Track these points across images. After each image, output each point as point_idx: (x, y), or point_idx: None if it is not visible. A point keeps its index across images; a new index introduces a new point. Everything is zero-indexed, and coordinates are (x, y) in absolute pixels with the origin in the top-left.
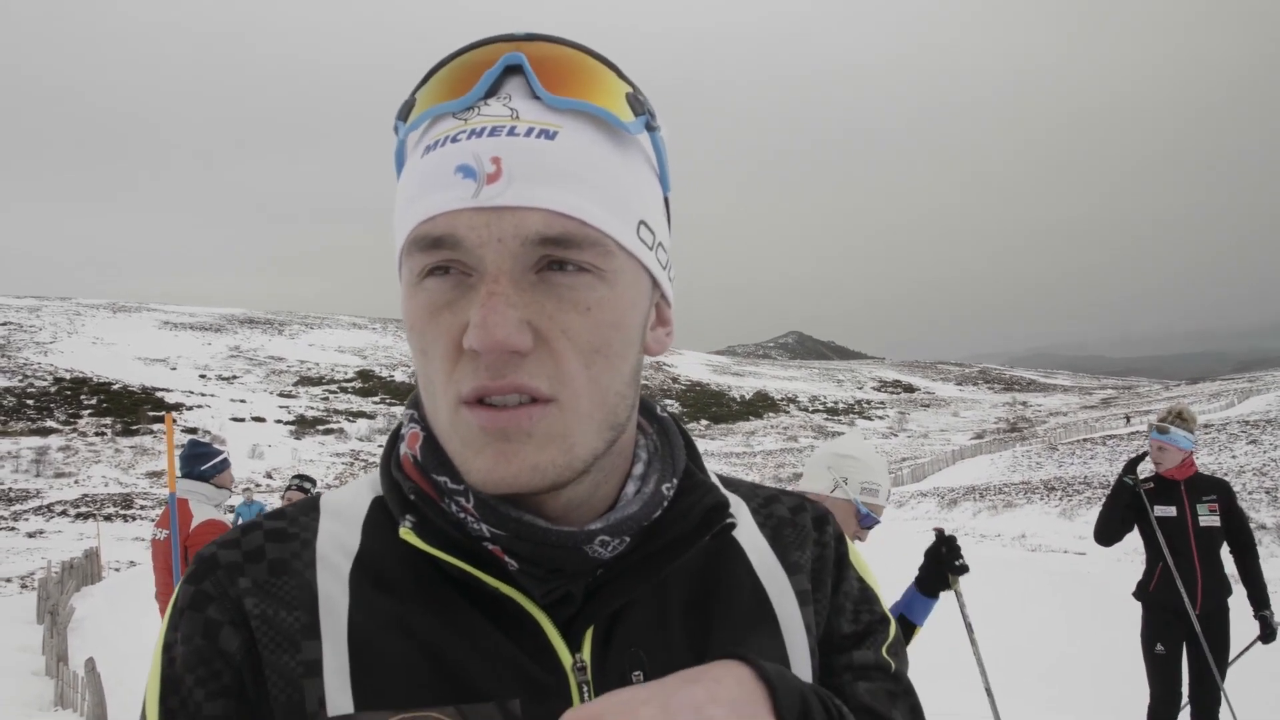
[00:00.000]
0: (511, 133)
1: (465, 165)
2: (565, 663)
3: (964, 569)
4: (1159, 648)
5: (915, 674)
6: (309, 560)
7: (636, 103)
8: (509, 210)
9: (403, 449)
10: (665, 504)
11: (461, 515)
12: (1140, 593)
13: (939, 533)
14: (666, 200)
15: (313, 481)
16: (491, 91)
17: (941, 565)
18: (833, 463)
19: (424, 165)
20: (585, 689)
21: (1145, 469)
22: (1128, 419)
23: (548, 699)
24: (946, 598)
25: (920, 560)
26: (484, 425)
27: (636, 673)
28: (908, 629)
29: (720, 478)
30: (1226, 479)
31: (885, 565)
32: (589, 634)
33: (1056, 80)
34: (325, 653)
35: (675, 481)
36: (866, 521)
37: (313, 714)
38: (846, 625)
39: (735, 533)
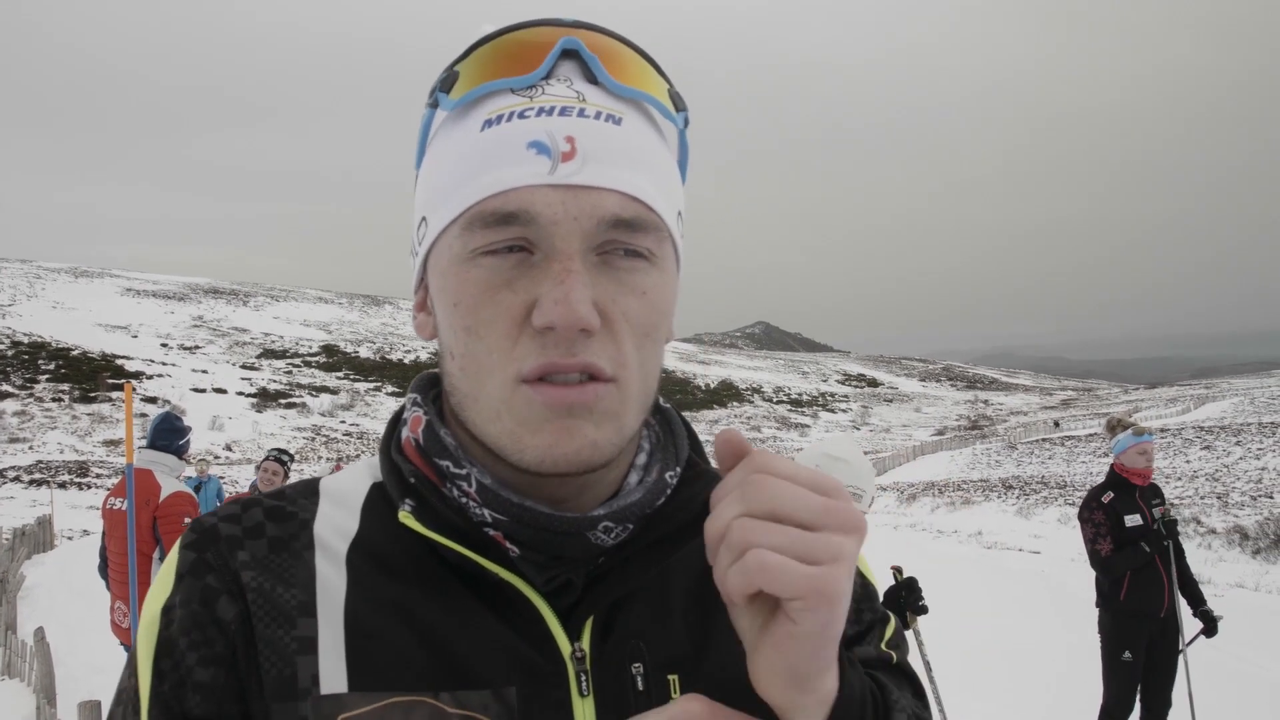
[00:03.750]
0: (582, 114)
1: (539, 142)
2: (564, 651)
3: (924, 610)
4: (1126, 655)
5: None
6: (307, 541)
7: (679, 99)
8: (585, 189)
9: (404, 433)
10: (668, 492)
11: (463, 500)
12: (1108, 602)
13: (897, 572)
14: None
15: (290, 456)
16: (550, 73)
17: (902, 607)
18: (821, 462)
19: (485, 139)
20: (584, 678)
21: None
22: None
23: (545, 687)
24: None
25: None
26: (548, 403)
27: (636, 664)
28: None
29: None
30: (1168, 483)
31: None
32: (589, 623)
33: (1035, 87)
34: (321, 631)
35: (678, 470)
36: None
37: (305, 690)
38: (849, 627)
39: None
